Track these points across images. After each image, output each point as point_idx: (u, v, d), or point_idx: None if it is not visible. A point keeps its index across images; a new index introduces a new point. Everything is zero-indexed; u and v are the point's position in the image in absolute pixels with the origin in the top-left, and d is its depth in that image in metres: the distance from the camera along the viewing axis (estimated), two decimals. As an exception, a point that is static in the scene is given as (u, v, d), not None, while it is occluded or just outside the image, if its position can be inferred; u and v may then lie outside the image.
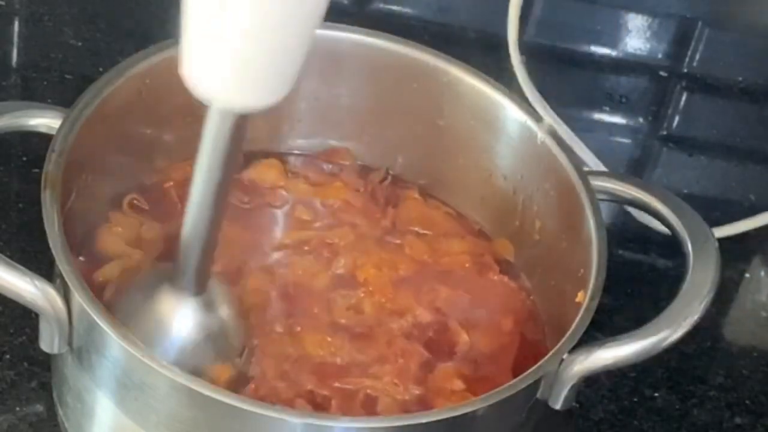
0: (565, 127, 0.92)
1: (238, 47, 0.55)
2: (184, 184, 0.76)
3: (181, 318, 0.66)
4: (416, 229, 0.78)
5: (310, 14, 0.55)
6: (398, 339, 0.72)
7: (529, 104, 0.77)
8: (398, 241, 0.77)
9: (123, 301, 0.68)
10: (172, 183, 0.77)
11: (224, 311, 0.68)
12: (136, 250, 0.73)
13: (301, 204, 0.78)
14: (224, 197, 0.62)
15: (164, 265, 0.68)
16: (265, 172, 0.79)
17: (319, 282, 0.74)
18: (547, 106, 0.90)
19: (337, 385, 0.69)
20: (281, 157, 0.81)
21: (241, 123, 0.59)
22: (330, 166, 0.81)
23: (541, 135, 0.75)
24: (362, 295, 0.74)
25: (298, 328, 0.71)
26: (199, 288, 0.66)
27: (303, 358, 0.70)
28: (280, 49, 0.55)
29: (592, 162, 0.92)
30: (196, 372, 0.63)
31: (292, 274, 0.74)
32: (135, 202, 0.75)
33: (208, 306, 0.67)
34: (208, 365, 0.66)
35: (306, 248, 0.76)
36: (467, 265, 0.77)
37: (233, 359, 0.68)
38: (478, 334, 0.73)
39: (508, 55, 0.99)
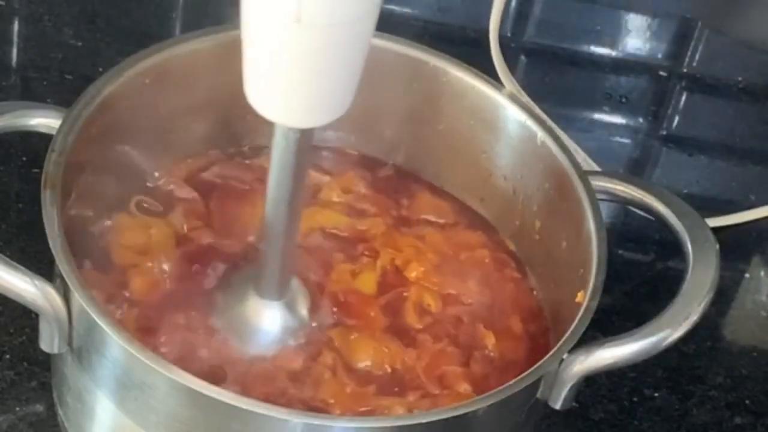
0: (554, 126, 0.92)
1: (296, 73, 0.57)
2: (188, 181, 0.77)
3: (267, 321, 0.69)
4: (431, 218, 0.78)
5: (363, 41, 0.57)
6: (443, 339, 0.72)
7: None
8: (418, 233, 0.77)
9: (218, 301, 0.70)
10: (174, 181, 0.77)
11: (306, 310, 0.70)
12: (146, 257, 0.73)
13: (323, 187, 0.78)
14: (297, 207, 0.64)
15: (253, 268, 0.70)
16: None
17: (367, 282, 0.74)
18: (531, 102, 0.90)
19: (364, 408, 0.68)
20: None
21: (305, 137, 0.61)
22: (338, 157, 0.81)
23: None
24: (416, 291, 0.74)
25: (354, 335, 0.71)
26: (281, 293, 0.68)
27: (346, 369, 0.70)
28: (336, 74, 0.58)
29: (583, 161, 0.92)
30: None
31: (334, 270, 0.74)
32: (144, 205, 0.75)
33: (291, 307, 0.69)
34: None
35: (344, 234, 0.76)
36: (486, 260, 0.76)
37: None
38: (497, 336, 0.73)
39: (507, 55, 0.99)
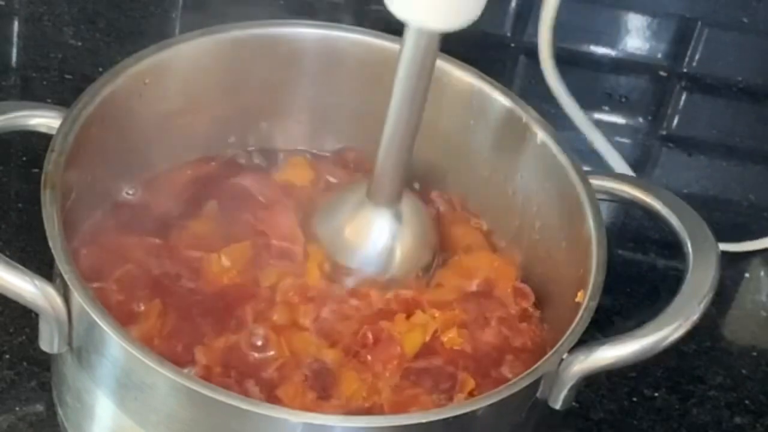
0: (599, 133, 0.92)
1: None
2: (187, 185, 0.77)
3: (377, 228, 0.71)
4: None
5: None
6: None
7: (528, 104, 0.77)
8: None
9: (319, 215, 0.73)
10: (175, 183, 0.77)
11: (416, 221, 0.73)
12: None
13: None
14: (418, 112, 0.67)
15: (359, 181, 0.73)
16: (296, 173, 0.78)
17: (412, 343, 0.71)
18: (580, 110, 0.91)
19: None
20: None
21: (435, 42, 0.65)
22: (350, 165, 0.80)
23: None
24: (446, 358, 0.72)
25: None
26: (394, 199, 0.71)
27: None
28: None
29: (623, 168, 0.92)
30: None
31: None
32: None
33: (400, 217, 0.72)
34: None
35: None
36: (509, 290, 0.75)
37: (422, 269, 0.73)
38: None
39: (507, 55, 0.99)
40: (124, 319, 0.67)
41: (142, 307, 0.69)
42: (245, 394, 0.65)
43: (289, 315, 0.70)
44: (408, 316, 0.71)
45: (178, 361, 0.65)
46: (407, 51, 0.65)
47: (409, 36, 0.64)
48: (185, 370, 0.66)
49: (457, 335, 0.72)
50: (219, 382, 0.65)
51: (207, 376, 0.66)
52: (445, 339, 0.71)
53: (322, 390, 0.68)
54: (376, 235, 0.72)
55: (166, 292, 0.71)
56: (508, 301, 0.74)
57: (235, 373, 0.67)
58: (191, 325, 0.69)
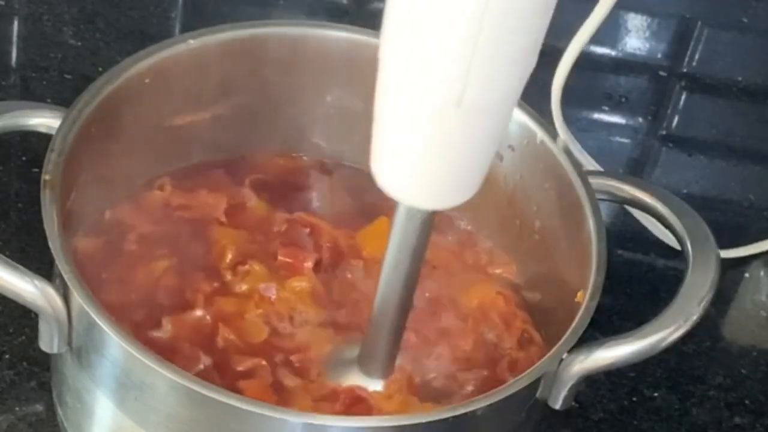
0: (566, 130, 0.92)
1: (439, 156, 0.55)
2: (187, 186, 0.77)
3: (365, 388, 0.67)
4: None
5: (505, 119, 0.56)
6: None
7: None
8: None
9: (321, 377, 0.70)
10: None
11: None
12: None
13: None
14: (411, 288, 0.63)
15: (350, 347, 0.69)
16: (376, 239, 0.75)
17: None
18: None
19: None
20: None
21: (428, 219, 0.59)
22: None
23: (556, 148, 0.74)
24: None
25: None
26: (387, 372, 0.67)
27: None
28: (476, 155, 0.56)
29: (583, 161, 0.92)
30: None
31: None
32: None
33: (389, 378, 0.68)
34: None
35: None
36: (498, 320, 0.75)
37: None
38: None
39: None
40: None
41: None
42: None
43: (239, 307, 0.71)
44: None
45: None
46: (398, 228, 0.60)
47: (400, 213, 0.59)
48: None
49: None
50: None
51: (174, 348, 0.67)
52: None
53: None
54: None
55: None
56: (501, 331, 0.74)
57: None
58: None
